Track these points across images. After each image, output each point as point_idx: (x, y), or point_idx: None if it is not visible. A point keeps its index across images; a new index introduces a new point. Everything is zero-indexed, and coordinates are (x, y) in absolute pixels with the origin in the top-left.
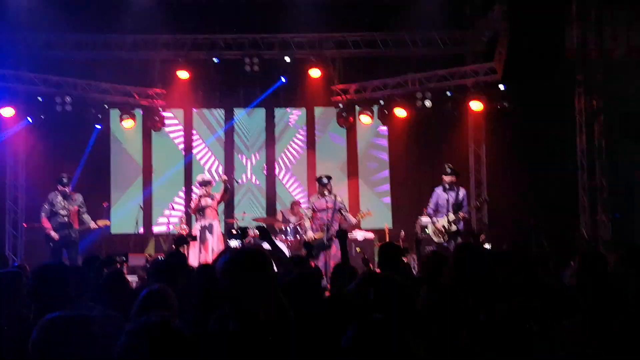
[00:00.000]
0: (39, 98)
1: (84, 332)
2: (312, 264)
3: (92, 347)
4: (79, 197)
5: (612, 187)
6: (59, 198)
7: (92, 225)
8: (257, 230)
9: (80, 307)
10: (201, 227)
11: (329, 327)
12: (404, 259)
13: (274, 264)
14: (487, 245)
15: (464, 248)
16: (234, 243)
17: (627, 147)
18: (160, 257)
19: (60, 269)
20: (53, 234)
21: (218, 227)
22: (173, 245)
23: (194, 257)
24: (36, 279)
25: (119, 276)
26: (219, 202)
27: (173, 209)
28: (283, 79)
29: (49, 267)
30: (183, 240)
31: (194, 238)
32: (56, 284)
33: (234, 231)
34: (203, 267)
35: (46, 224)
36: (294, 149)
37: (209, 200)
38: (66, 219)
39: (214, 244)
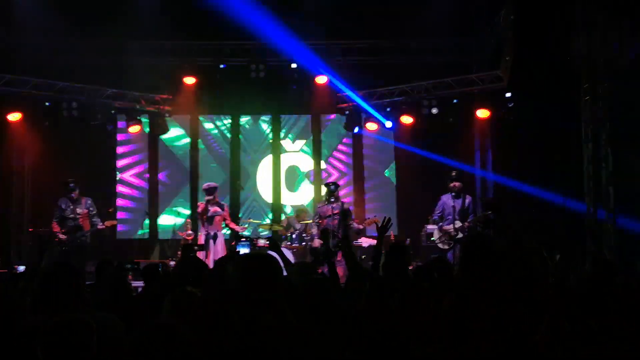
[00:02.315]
0: (46, 103)
1: (88, 336)
2: (319, 271)
3: (95, 350)
4: (87, 201)
5: (618, 195)
6: (67, 203)
7: (100, 226)
8: (267, 241)
9: (86, 311)
10: (206, 234)
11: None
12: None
13: (282, 270)
14: None
15: (471, 242)
16: (243, 250)
17: (634, 155)
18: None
19: (71, 271)
20: (62, 236)
21: (222, 238)
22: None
23: None
24: (47, 279)
25: (122, 283)
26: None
27: (178, 214)
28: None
29: (60, 268)
30: (191, 248)
31: (202, 247)
32: (67, 285)
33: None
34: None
35: (56, 228)
36: (300, 155)
37: (218, 210)
38: (75, 222)
39: (218, 255)
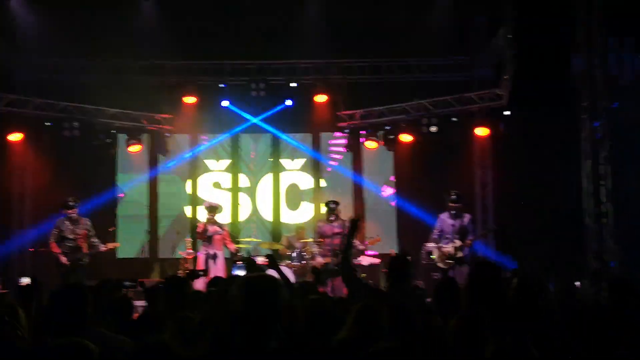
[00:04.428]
0: (47, 123)
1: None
2: (321, 290)
3: None
4: (87, 221)
5: (618, 213)
6: (67, 223)
7: (102, 248)
8: (266, 258)
9: (89, 333)
10: (206, 254)
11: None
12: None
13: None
14: None
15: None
16: (239, 272)
17: (633, 172)
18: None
19: (79, 293)
20: (62, 258)
21: (222, 257)
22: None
23: (201, 284)
24: (55, 302)
25: (125, 302)
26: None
27: (178, 233)
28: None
29: (68, 291)
30: (196, 274)
31: (206, 273)
32: (75, 308)
33: (261, 259)
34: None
35: (55, 248)
36: (300, 173)
37: (218, 229)
38: (74, 243)
39: (219, 274)
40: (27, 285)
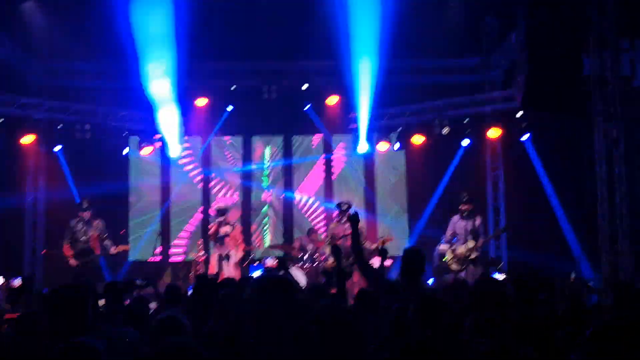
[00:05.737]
0: (59, 126)
1: None
2: (332, 292)
3: None
4: (99, 224)
5: (633, 215)
6: (79, 225)
7: (112, 250)
8: (276, 261)
9: (98, 332)
10: (219, 256)
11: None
12: None
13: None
14: (501, 275)
15: (483, 281)
16: (256, 273)
17: None
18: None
19: (78, 292)
20: (72, 261)
21: (235, 258)
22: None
23: None
24: (52, 301)
25: (142, 302)
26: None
27: (190, 235)
28: None
29: (66, 290)
30: (205, 278)
31: (217, 277)
32: (74, 307)
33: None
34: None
35: (67, 251)
36: (313, 175)
37: (228, 229)
38: (86, 245)
39: (231, 275)
40: (18, 287)
